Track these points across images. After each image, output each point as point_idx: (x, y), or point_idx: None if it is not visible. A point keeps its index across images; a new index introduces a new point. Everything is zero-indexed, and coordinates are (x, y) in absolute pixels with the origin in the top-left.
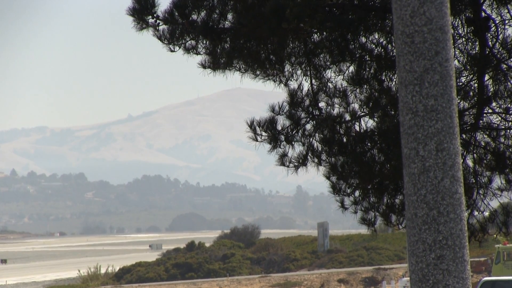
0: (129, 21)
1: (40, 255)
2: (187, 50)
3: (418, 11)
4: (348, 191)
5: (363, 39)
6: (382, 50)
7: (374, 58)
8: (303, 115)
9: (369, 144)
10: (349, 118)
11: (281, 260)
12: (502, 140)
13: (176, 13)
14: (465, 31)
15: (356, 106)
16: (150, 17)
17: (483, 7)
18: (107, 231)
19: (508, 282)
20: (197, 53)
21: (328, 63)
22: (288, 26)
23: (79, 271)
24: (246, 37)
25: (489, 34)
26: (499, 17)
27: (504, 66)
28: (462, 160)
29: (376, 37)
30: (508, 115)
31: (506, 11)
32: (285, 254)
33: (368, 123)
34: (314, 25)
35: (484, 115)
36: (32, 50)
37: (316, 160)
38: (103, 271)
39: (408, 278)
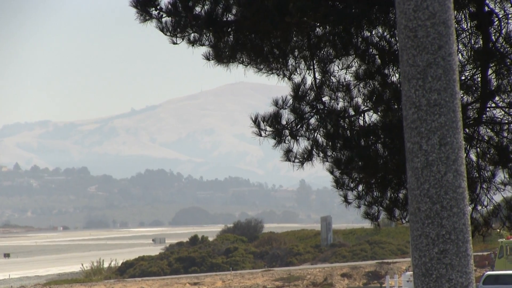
0: (132, 14)
1: (43, 249)
2: (190, 42)
3: (421, 5)
4: (352, 185)
5: (367, 33)
6: (386, 44)
7: (378, 52)
8: (307, 109)
9: (373, 138)
10: (353, 113)
11: (284, 254)
12: (505, 134)
13: (180, 5)
14: (469, 25)
15: (360, 100)
16: (154, 9)
17: (487, 1)
18: (110, 225)
19: (511, 276)
20: (202, 45)
21: (332, 57)
22: (291, 20)
23: (82, 265)
24: (249, 31)
25: (492, 29)
26: (502, 12)
27: (508, 60)
28: (465, 155)
29: (380, 31)
30: (511, 109)
31: (510, 5)
32: (288, 248)
33: (372, 117)
34: (317, 19)
35: (488, 109)
36: (35, 44)
37: (321, 155)
38: (106, 265)
39: (412, 273)
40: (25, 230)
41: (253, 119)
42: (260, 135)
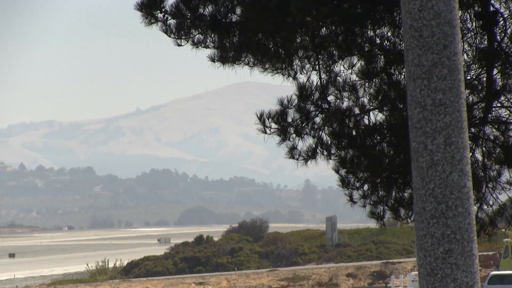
0: (137, 15)
1: (48, 249)
2: (195, 44)
3: (427, 5)
4: (357, 184)
5: (371, 33)
6: (391, 44)
7: (383, 52)
8: (312, 108)
9: (378, 137)
10: (358, 112)
11: (289, 254)
12: (511, 133)
13: (184, 7)
14: (474, 25)
15: (365, 99)
16: (159, 11)
17: (492, 1)
18: (115, 225)
19: None
20: (207, 47)
21: (336, 58)
22: (293, 20)
23: (87, 265)
24: (253, 31)
25: (497, 28)
26: (508, 11)
27: None
28: (470, 154)
29: (384, 31)
30: None
31: None
32: (293, 248)
33: (377, 116)
34: (320, 19)
35: (493, 109)
36: (40, 44)
37: (325, 153)
38: (111, 265)
39: (417, 272)
40: (30, 230)
41: (259, 116)
42: (265, 132)
